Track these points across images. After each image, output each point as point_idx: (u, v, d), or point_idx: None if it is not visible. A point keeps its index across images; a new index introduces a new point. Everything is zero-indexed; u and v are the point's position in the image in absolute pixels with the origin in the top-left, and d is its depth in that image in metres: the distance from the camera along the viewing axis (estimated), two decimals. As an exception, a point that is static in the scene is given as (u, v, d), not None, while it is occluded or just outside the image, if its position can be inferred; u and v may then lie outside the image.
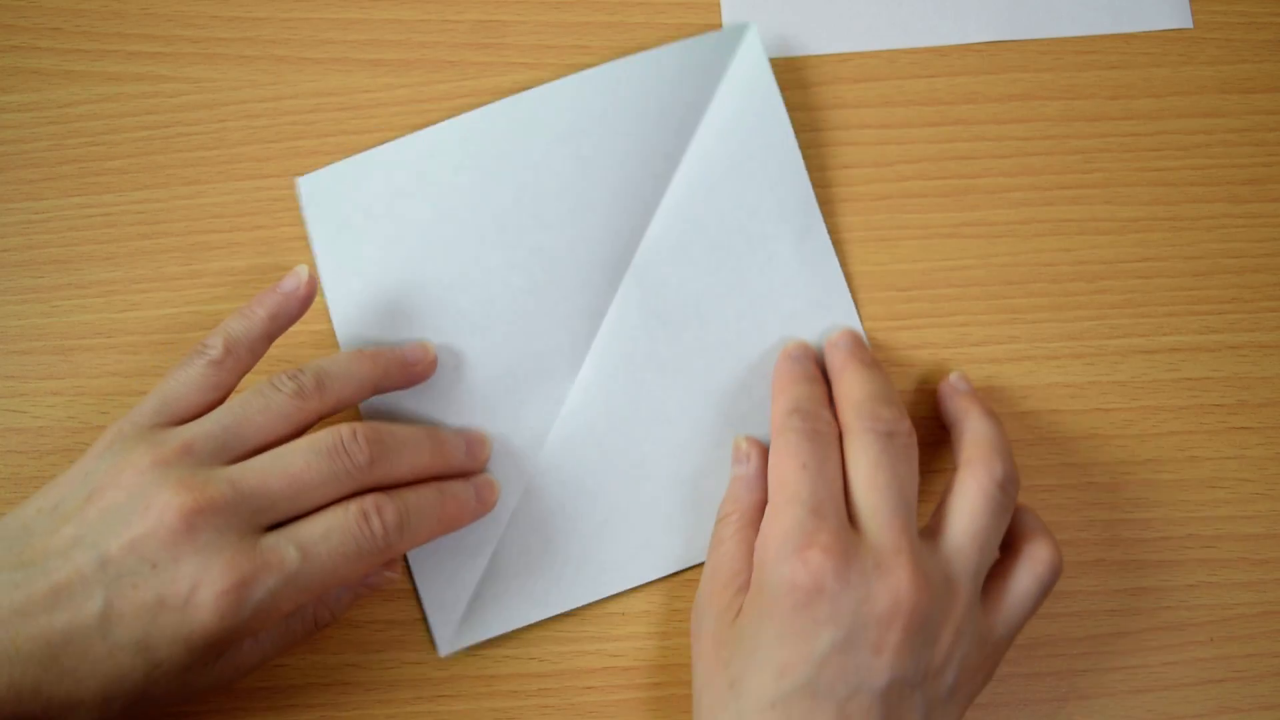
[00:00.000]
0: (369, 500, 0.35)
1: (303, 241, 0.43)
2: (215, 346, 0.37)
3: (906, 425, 0.38)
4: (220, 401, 0.37)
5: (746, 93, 0.43)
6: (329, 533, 0.35)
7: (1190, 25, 0.46)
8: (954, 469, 0.38)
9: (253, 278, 0.43)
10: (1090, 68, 0.45)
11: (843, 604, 0.34)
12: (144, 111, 0.45)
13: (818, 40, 0.46)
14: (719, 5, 0.46)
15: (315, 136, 0.44)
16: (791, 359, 0.41)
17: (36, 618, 0.32)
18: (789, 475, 0.36)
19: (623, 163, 0.42)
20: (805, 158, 0.44)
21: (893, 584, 0.34)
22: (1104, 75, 0.45)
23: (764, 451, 0.40)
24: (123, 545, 0.33)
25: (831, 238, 0.44)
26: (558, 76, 0.45)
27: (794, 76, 0.45)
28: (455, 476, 0.40)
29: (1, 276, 0.43)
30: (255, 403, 0.36)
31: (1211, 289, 0.44)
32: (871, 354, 0.41)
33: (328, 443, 0.35)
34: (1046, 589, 0.37)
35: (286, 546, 0.34)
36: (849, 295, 0.43)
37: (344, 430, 0.36)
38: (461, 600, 0.40)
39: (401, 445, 0.37)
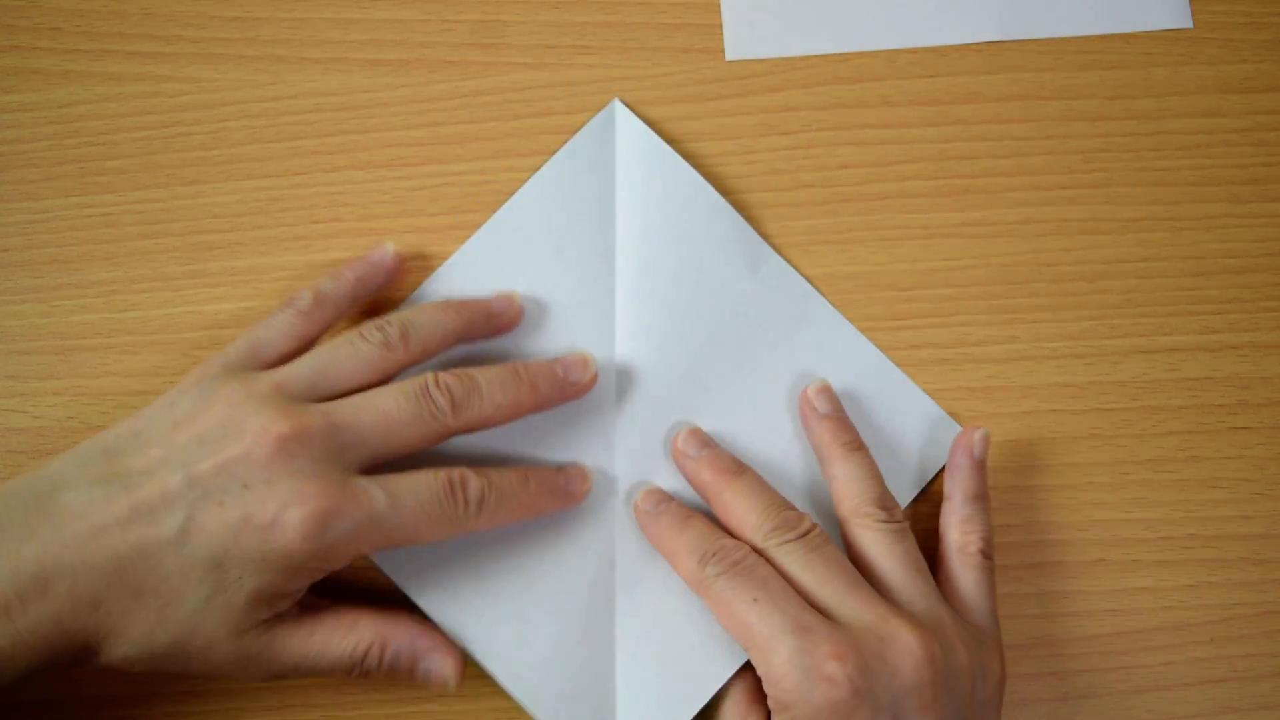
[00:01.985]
0: (457, 471, 0.36)
1: (300, 241, 0.43)
2: (305, 299, 0.39)
3: (899, 515, 0.39)
4: (304, 351, 0.38)
5: (642, 161, 0.43)
6: (417, 489, 0.35)
7: (1190, 25, 0.46)
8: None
9: (253, 278, 0.43)
10: (1090, 68, 0.45)
11: (879, 692, 0.33)
12: (144, 111, 0.45)
13: (818, 40, 0.46)
14: (718, 5, 0.46)
15: (315, 136, 0.44)
16: (651, 512, 0.39)
17: (111, 531, 0.32)
18: (747, 616, 0.35)
19: (565, 277, 0.42)
20: (806, 159, 0.44)
21: (902, 648, 0.34)
22: (1104, 75, 0.45)
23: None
24: (213, 466, 0.34)
25: (832, 238, 0.44)
26: (557, 76, 0.45)
27: (794, 76, 0.45)
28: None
29: (1, 276, 0.43)
30: (344, 350, 0.37)
31: (1211, 289, 0.44)
32: (851, 431, 0.40)
33: (415, 386, 0.37)
34: (987, 568, 0.39)
35: (376, 490, 0.35)
36: (819, 296, 0.43)
37: (429, 376, 0.37)
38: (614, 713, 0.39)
39: (486, 386, 0.38)
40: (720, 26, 0.46)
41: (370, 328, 0.38)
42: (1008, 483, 0.42)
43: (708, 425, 0.41)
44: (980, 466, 0.40)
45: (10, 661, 0.32)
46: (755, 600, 0.35)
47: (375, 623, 0.36)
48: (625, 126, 0.44)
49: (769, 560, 0.36)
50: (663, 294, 0.42)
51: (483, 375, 0.38)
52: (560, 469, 0.40)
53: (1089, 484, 0.42)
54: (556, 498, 0.39)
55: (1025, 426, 0.43)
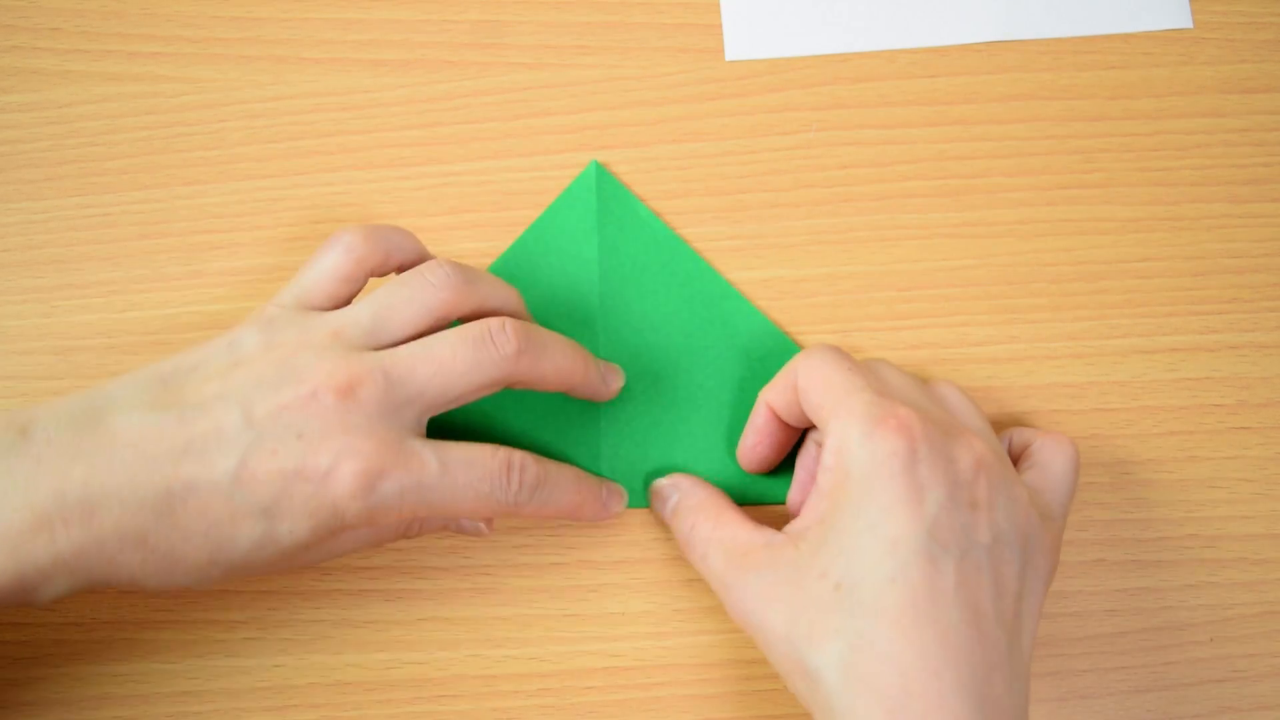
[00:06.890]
0: (517, 455, 0.36)
1: (300, 241, 0.43)
2: (351, 239, 0.37)
3: None
4: (354, 294, 0.37)
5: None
6: (472, 463, 0.35)
7: (1190, 25, 0.46)
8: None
9: (253, 278, 0.43)
10: (1090, 68, 0.45)
11: (938, 463, 0.34)
12: (144, 111, 0.45)
13: (818, 40, 0.46)
14: (718, 5, 0.46)
15: (315, 136, 0.44)
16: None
17: (162, 464, 0.32)
18: (838, 377, 0.36)
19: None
20: (806, 159, 0.44)
21: (967, 443, 0.35)
22: (1104, 75, 0.45)
23: (690, 477, 0.40)
24: (270, 410, 0.33)
25: (832, 238, 0.44)
26: (557, 76, 0.45)
27: (794, 76, 0.45)
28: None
29: (1, 276, 0.43)
30: (400, 293, 0.36)
31: (1211, 289, 0.44)
32: None
33: (475, 332, 0.35)
34: (1075, 467, 0.38)
35: (430, 455, 0.34)
36: (783, 336, 0.43)
37: (493, 322, 0.36)
38: None
39: (549, 344, 0.37)
40: (720, 26, 0.46)
41: (434, 265, 0.36)
42: (1008, 483, 0.42)
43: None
44: None
45: (48, 581, 0.31)
46: (850, 369, 0.36)
47: None
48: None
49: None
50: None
51: (546, 333, 0.37)
52: (604, 481, 0.40)
53: (1089, 484, 0.42)
54: (594, 508, 0.39)
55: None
